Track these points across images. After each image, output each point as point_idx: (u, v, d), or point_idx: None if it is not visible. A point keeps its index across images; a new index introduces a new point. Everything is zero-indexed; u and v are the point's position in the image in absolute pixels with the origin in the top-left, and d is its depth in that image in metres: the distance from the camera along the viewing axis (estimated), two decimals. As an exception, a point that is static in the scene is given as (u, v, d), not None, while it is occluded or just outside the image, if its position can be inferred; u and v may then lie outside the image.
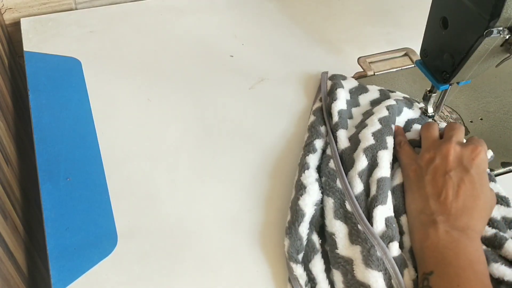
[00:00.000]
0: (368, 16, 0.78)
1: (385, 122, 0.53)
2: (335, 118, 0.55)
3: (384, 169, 0.48)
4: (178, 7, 0.77)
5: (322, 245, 0.46)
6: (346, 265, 0.43)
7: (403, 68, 0.68)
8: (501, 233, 0.45)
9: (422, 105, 0.59)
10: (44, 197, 0.49)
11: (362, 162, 0.49)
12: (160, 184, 0.51)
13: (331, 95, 0.58)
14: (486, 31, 0.44)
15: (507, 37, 0.45)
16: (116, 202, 0.49)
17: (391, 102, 0.56)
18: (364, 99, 0.60)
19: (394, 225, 0.45)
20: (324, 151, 0.53)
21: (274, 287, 0.44)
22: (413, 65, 0.68)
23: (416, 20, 0.75)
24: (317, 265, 0.43)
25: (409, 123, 0.57)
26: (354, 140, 0.52)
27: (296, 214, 0.46)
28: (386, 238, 0.43)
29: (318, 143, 0.53)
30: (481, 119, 0.61)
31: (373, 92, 0.61)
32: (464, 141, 0.50)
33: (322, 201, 0.48)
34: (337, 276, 0.43)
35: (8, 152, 0.57)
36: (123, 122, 0.58)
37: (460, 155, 0.47)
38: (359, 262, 0.42)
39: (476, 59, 0.49)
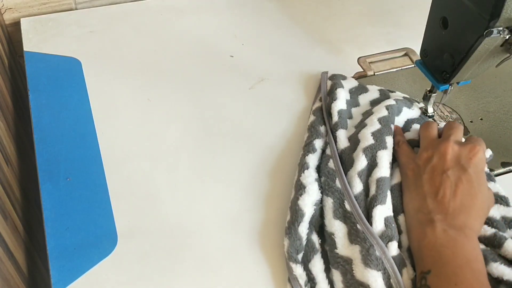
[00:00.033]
0: (368, 16, 0.78)
1: (385, 122, 0.53)
2: (335, 118, 0.55)
3: (383, 169, 0.48)
4: (178, 7, 0.77)
5: (321, 245, 0.46)
6: (345, 265, 0.43)
7: (403, 68, 0.68)
8: (501, 233, 0.45)
9: (422, 105, 0.59)
10: (44, 197, 0.49)
11: (361, 162, 0.49)
12: (160, 184, 0.51)
13: (331, 95, 0.58)
14: (486, 31, 0.44)
15: (507, 37, 0.45)
16: (116, 202, 0.49)
17: (390, 102, 0.56)
18: (364, 99, 0.60)
19: (393, 224, 0.45)
20: (323, 151, 0.53)
21: (274, 287, 0.44)
22: (413, 65, 0.68)
23: (416, 20, 0.75)
24: (317, 265, 0.43)
25: (408, 123, 0.57)
26: (354, 140, 0.52)
27: (295, 214, 0.46)
28: (386, 238, 0.43)
29: (318, 143, 0.53)
30: (481, 119, 0.61)
31: (373, 92, 0.61)
32: (463, 140, 0.50)
33: (321, 201, 0.48)
34: (337, 275, 0.43)
35: (8, 152, 0.57)
36: (123, 122, 0.58)
37: (458, 154, 0.47)
38: (358, 262, 0.42)
39: (476, 59, 0.49)
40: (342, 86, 0.59)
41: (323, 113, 0.57)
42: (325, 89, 0.60)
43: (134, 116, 0.59)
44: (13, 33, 0.74)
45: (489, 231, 0.45)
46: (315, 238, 0.46)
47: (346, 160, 0.50)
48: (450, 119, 0.61)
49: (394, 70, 0.68)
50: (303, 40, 0.72)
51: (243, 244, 0.47)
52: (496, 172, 0.55)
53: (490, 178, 0.51)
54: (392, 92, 0.61)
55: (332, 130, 0.54)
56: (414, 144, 0.53)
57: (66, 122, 0.57)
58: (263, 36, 0.72)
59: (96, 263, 0.44)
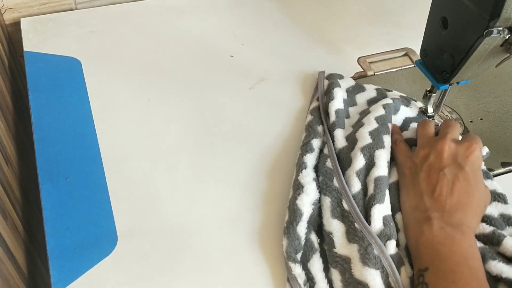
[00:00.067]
0: (368, 16, 0.78)
1: (382, 121, 0.53)
2: (332, 117, 0.55)
3: (381, 168, 0.48)
4: (178, 7, 0.77)
5: (320, 244, 0.46)
6: (344, 264, 0.43)
7: (403, 68, 0.68)
8: (499, 230, 0.45)
9: (421, 104, 0.59)
10: (44, 197, 0.49)
11: (359, 161, 0.49)
12: (160, 184, 0.51)
13: (328, 95, 0.58)
14: (486, 31, 0.44)
15: (507, 37, 0.45)
16: (116, 202, 0.49)
17: (387, 101, 0.56)
18: (361, 98, 0.60)
19: (391, 223, 0.45)
20: (321, 151, 0.53)
21: (274, 287, 0.44)
22: (413, 65, 0.68)
23: (416, 20, 0.75)
24: (316, 264, 0.44)
25: (406, 122, 0.57)
26: (351, 139, 0.52)
27: (294, 213, 0.46)
28: (384, 237, 0.43)
29: (316, 143, 0.53)
30: (481, 119, 0.61)
31: (370, 91, 0.61)
32: (460, 138, 0.51)
33: (319, 201, 0.48)
34: (335, 275, 0.43)
35: (8, 152, 0.57)
36: (123, 122, 0.58)
37: (455, 152, 0.47)
38: (357, 261, 0.42)
39: (476, 59, 0.49)
40: (339, 86, 0.59)
41: (320, 113, 0.57)
42: (322, 89, 0.60)
43: (134, 116, 0.59)
44: (13, 33, 0.74)
45: (487, 229, 0.45)
46: (313, 237, 0.46)
47: (344, 159, 0.50)
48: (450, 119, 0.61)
49: (394, 70, 0.68)
50: (303, 40, 0.72)
51: (242, 244, 0.47)
52: (496, 172, 0.55)
53: (487, 176, 0.51)
54: (389, 91, 0.61)
55: (330, 130, 0.54)
56: (412, 143, 0.53)
57: (66, 122, 0.57)
58: (263, 36, 0.72)
59: (96, 263, 0.44)
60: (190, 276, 0.44)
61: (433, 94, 0.57)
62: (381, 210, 0.45)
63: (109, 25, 0.72)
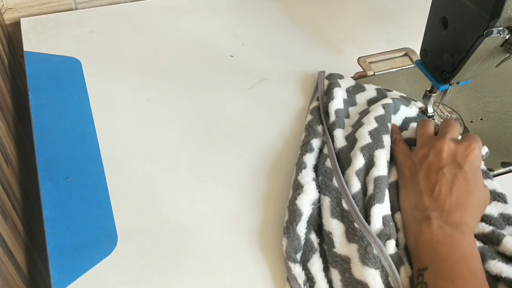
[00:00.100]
0: (368, 16, 0.78)
1: (381, 120, 0.53)
2: (332, 117, 0.55)
3: (381, 168, 0.48)
4: (178, 7, 0.77)
5: (320, 244, 0.46)
6: (343, 264, 0.43)
7: (403, 68, 0.68)
8: (499, 230, 0.45)
9: (421, 104, 0.59)
10: (44, 197, 0.49)
11: (359, 161, 0.49)
12: (160, 184, 0.51)
13: (328, 94, 0.58)
14: (486, 31, 0.44)
15: (507, 37, 0.45)
16: (116, 202, 0.49)
17: (387, 100, 0.56)
18: (361, 98, 0.60)
19: (391, 223, 0.45)
20: (321, 150, 0.53)
21: (273, 287, 0.44)
22: (413, 65, 0.68)
23: (416, 20, 0.75)
24: (315, 264, 0.44)
25: (406, 122, 0.57)
26: (351, 139, 0.52)
27: (293, 213, 0.46)
28: (384, 236, 0.43)
29: (315, 143, 0.53)
30: (481, 119, 0.61)
31: (370, 91, 0.61)
32: (460, 137, 0.51)
33: (319, 200, 0.48)
34: (335, 274, 0.43)
35: (8, 152, 0.57)
36: (123, 122, 0.58)
37: (454, 151, 0.47)
38: (356, 260, 0.42)
39: (476, 59, 0.49)
40: (339, 85, 0.59)
41: (320, 113, 0.57)
42: (322, 89, 0.60)
43: (134, 116, 0.59)
44: (13, 33, 0.74)
45: (487, 228, 0.45)
46: (313, 237, 0.46)
47: (344, 159, 0.50)
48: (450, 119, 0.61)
49: (394, 70, 0.68)
50: (303, 40, 0.72)
51: (242, 244, 0.47)
52: (496, 172, 0.55)
53: (487, 175, 0.51)
54: (389, 91, 0.61)
55: (329, 130, 0.54)
56: (412, 142, 0.53)
57: (66, 122, 0.57)
58: (263, 36, 0.72)
59: (96, 263, 0.44)
60: (190, 276, 0.44)
61: (433, 94, 0.57)
62: (381, 210, 0.45)
63: (109, 25, 0.72)
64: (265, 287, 0.44)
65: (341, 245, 0.44)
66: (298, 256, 0.44)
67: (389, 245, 0.43)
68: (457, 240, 0.41)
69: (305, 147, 0.52)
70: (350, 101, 0.60)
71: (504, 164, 0.55)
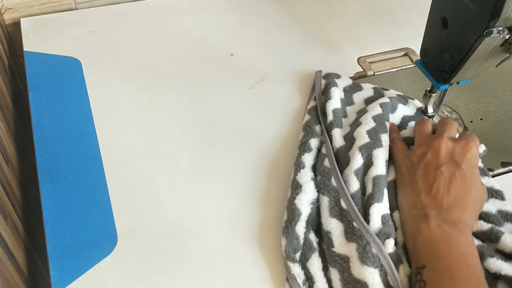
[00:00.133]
0: (368, 16, 0.78)
1: (379, 120, 0.53)
2: (330, 117, 0.55)
3: (379, 167, 0.48)
4: (178, 7, 0.77)
5: (319, 243, 0.46)
6: (342, 263, 0.43)
7: (403, 68, 0.68)
8: (497, 227, 0.45)
9: (419, 103, 0.60)
10: (44, 197, 0.49)
11: (358, 161, 0.49)
12: (160, 184, 0.51)
13: (325, 94, 0.59)
14: (486, 31, 0.44)
15: (507, 37, 0.45)
16: (116, 202, 0.49)
17: (384, 99, 0.56)
18: (358, 97, 0.60)
19: (390, 222, 0.45)
20: (319, 150, 0.53)
21: (273, 286, 0.44)
22: (413, 65, 0.68)
23: (416, 20, 0.75)
24: (315, 264, 0.44)
25: (405, 120, 0.57)
26: (349, 139, 0.52)
27: (292, 213, 0.46)
28: (383, 235, 0.44)
29: (313, 142, 0.53)
30: (481, 119, 0.61)
31: (367, 90, 0.61)
32: (457, 136, 0.51)
33: (318, 200, 0.48)
34: (334, 274, 0.43)
35: (8, 152, 0.57)
36: (123, 122, 0.58)
37: (452, 150, 0.47)
38: (355, 260, 0.42)
39: (476, 59, 0.49)
40: (336, 85, 0.59)
41: (318, 112, 0.57)
42: (319, 88, 0.60)
43: (134, 116, 0.59)
44: (13, 33, 0.74)
45: (485, 226, 0.45)
46: (312, 237, 0.46)
47: (342, 158, 0.50)
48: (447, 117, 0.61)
49: (394, 70, 0.68)
50: (303, 40, 0.72)
51: (242, 244, 0.47)
52: (496, 172, 0.55)
53: (484, 173, 0.52)
54: (386, 90, 0.61)
55: (327, 129, 0.54)
56: (411, 141, 0.54)
57: (66, 122, 0.57)
58: (263, 36, 0.72)
59: (96, 263, 0.44)
60: (190, 276, 0.44)
61: (433, 94, 0.57)
62: (380, 209, 0.45)
63: (109, 25, 0.72)
64: (264, 287, 0.44)
65: (340, 245, 0.44)
66: (297, 255, 0.44)
67: (388, 244, 0.43)
68: (455, 238, 0.41)
69: (303, 147, 0.52)
70: (347, 100, 0.60)
71: (504, 164, 0.55)
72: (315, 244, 0.45)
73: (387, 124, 0.54)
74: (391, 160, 0.52)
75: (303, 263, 0.44)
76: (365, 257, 0.42)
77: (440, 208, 0.43)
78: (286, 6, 0.79)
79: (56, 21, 0.72)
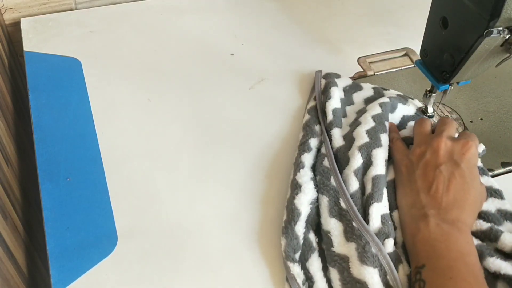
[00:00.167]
0: (368, 16, 0.78)
1: (379, 119, 0.53)
2: (329, 117, 0.55)
3: (378, 167, 0.48)
4: (178, 7, 0.77)
5: (319, 243, 0.46)
6: (342, 263, 0.43)
7: (403, 68, 0.68)
8: (496, 226, 0.45)
9: (420, 104, 0.60)
10: (44, 197, 0.49)
11: (357, 160, 0.49)
12: (160, 184, 0.51)
13: (325, 94, 0.59)
14: (486, 31, 0.44)
15: (507, 37, 0.45)
16: (116, 202, 0.49)
17: (384, 99, 0.56)
18: (358, 97, 0.60)
19: (389, 222, 0.45)
20: (319, 150, 0.53)
21: (273, 286, 0.44)
22: (413, 65, 0.68)
23: (416, 20, 0.75)
24: (314, 263, 0.44)
25: (404, 120, 0.57)
26: (349, 139, 0.52)
27: (292, 213, 0.46)
28: (382, 235, 0.44)
29: (313, 142, 0.53)
30: (481, 119, 0.61)
31: (367, 90, 0.61)
32: (456, 135, 0.51)
33: (317, 200, 0.48)
34: (334, 274, 0.43)
35: (8, 152, 0.57)
36: (123, 122, 0.58)
37: (451, 149, 0.47)
38: (355, 259, 0.42)
39: (476, 59, 0.49)
40: (336, 85, 0.59)
41: (317, 112, 0.57)
42: (319, 88, 0.61)
43: (134, 116, 0.59)
44: (13, 33, 0.74)
45: (484, 225, 0.45)
46: (312, 237, 0.46)
47: (342, 158, 0.50)
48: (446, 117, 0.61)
49: (394, 70, 0.68)
50: (303, 40, 0.72)
51: (242, 244, 0.47)
52: (496, 172, 0.55)
53: (483, 172, 0.52)
54: (386, 90, 0.61)
55: (327, 129, 0.54)
56: (410, 141, 0.54)
57: (66, 122, 0.57)
58: (263, 36, 0.72)
59: (96, 263, 0.44)
60: (190, 276, 0.44)
61: (433, 94, 0.57)
62: (379, 209, 0.45)
63: (109, 25, 0.72)
64: (264, 287, 0.44)
65: (340, 244, 0.44)
66: (297, 255, 0.44)
67: (387, 243, 0.43)
68: (455, 237, 0.41)
69: (303, 147, 0.52)
70: (347, 100, 0.60)
71: (504, 164, 0.55)
72: (314, 244, 0.45)
73: (387, 123, 0.54)
74: (390, 160, 0.52)
75: (303, 263, 0.44)
76: (364, 257, 0.42)
77: (439, 208, 0.44)
78: (286, 6, 0.79)
79: (56, 21, 0.72)
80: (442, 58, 0.52)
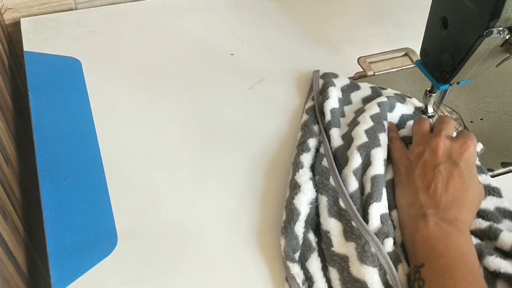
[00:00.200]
0: (368, 16, 0.78)
1: (377, 119, 0.53)
2: (328, 117, 0.55)
3: (377, 167, 0.48)
4: (178, 7, 0.77)
5: (318, 243, 0.46)
6: (341, 262, 0.43)
7: (403, 68, 0.68)
8: (495, 225, 0.45)
9: (417, 101, 0.60)
10: (44, 197, 0.49)
11: (356, 160, 0.49)
12: (160, 184, 0.52)
13: (323, 94, 0.59)
14: (486, 31, 0.44)
15: (507, 37, 0.45)
16: (116, 202, 0.49)
17: (382, 99, 0.56)
18: (356, 97, 0.60)
19: (389, 221, 0.45)
20: (317, 150, 0.53)
21: (272, 286, 0.44)
22: (413, 65, 0.68)
23: (416, 20, 0.75)
24: (314, 263, 0.44)
25: (403, 119, 0.57)
26: (347, 138, 0.52)
27: (291, 213, 0.46)
28: (382, 235, 0.44)
29: (312, 142, 0.53)
30: (481, 119, 0.61)
31: (365, 89, 0.61)
32: (455, 134, 0.51)
33: (316, 200, 0.48)
34: (333, 273, 0.43)
35: (8, 152, 0.57)
36: (123, 122, 0.58)
37: (450, 149, 0.47)
38: (354, 259, 0.42)
39: (476, 59, 0.49)
40: (334, 85, 0.59)
41: (316, 112, 0.57)
42: (317, 88, 0.60)
43: (134, 116, 0.59)
44: (13, 33, 0.74)
45: (484, 224, 0.46)
46: (311, 236, 0.46)
47: (340, 158, 0.50)
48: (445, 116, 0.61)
49: (394, 70, 0.68)
50: (303, 40, 0.72)
51: (241, 244, 0.47)
52: (496, 172, 0.55)
53: (481, 170, 0.52)
54: (384, 89, 0.61)
55: (325, 129, 0.54)
56: (409, 141, 0.54)
57: (66, 122, 0.57)
58: (263, 36, 0.72)
59: (96, 263, 0.44)
60: (190, 276, 0.44)
61: (433, 94, 0.57)
62: (379, 209, 0.45)
63: (109, 25, 0.72)
64: (264, 287, 0.44)
65: (339, 244, 0.44)
66: (297, 255, 0.44)
67: (387, 243, 0.43)
68: (454, 236, 0.41)
69: (302, 147, 0.52)
70: (345, 100, 0.60)
71: (504, 164, 0.55)
72: (314, 244, 0.45)
73: (385, 123, 0.54)
74: (389, 159, 0.52)
75: (302, 263, 0.44)
76: (364, 257, 0.42)
77: (438, 207, 0.44)
78: (286, 6, 0.79)
79: (56, 21, 0.72)
80: (442, 58, 0.52)
